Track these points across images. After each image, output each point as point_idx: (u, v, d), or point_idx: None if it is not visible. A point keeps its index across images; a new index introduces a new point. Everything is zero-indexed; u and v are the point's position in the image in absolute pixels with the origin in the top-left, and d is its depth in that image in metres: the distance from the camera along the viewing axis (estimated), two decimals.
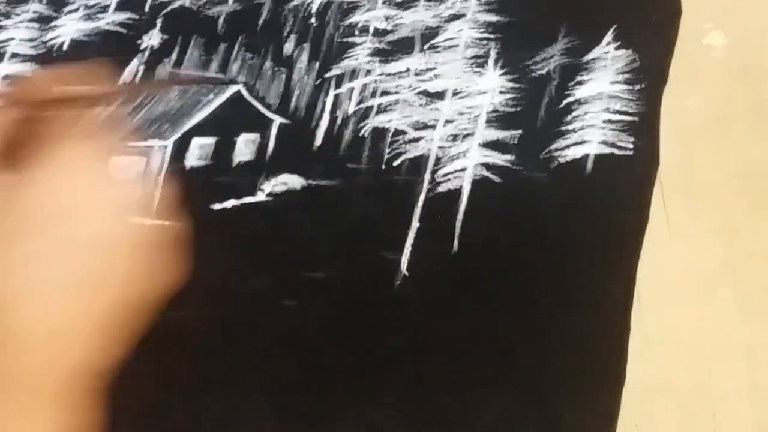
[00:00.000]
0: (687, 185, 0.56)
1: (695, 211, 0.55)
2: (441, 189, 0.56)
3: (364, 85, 0.62)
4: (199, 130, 0.61)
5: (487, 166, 0.57)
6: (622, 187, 0.56)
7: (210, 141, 0.60)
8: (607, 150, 0.57)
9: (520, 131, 0.59)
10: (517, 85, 0.60)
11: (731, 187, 0.56)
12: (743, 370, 0.50)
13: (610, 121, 0.58)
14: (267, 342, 0.53)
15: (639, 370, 0.50)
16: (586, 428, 0.49)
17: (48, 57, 0.66)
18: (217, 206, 0.58)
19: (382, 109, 0.60)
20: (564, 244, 0.54)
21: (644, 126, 0.58)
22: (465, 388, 0.50)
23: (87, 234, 0.42)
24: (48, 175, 0.42)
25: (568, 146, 0.58)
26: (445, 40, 0.63)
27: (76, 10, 0.67)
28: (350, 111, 0.61)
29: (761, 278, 0.52)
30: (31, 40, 0.67)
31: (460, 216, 0.55)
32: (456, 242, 0.54)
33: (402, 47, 0.63)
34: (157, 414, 0.52)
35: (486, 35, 0.62)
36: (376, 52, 0.63)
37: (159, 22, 0.66)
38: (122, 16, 0.67)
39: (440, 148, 0.58)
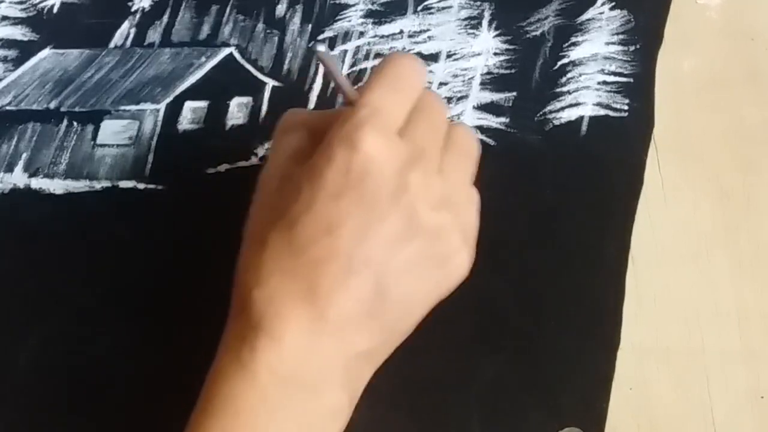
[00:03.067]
0: (681, 147, 0.56)
1: (690, 174, 0.55)
2: None
3: (357, 47, 0.61)
4: (191, 93, 0.61)
5: (482, 129, 0.57)
6: (616, 149, 0.56)
7: (202, 104, 0.60)
8: (602, 112, 0.57)
9: (514, 93, 0.58)
10: (512, 47, 0.60)
11: (726, 148, 0.55)
12: (736, 332, 0.50)
13: (604, 83, 0.58)
14: None
15: (633, 333, 0.50)
16: (581, 391, 0.49)
17: (38, 19, 0.66)
18: (210, 170, 0.58)
19: None
20: (559, 207, 0.54)
21: (639, 87, 0.58)
22: (458, 352, 0.50)
23: None
24: None
25: (562, 108, 0.57)
26: (439, 1, 0.62)
27: None
28: (343, 73, 0.60)
29: (755, 241, 0.53)
30: (20, 2, 0.66)
31: None
32: None
33: (395, 9, 0.63)
34: None
35: None
36: (369, 14, 0.63)
37: None
38: None
39: None
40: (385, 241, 0.44)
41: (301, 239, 0.43)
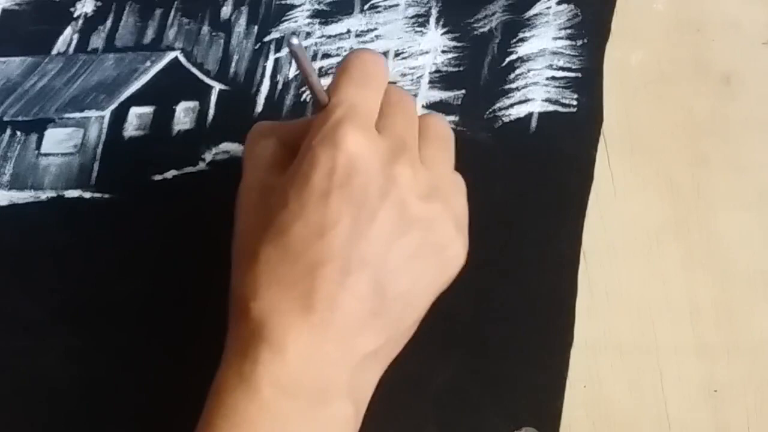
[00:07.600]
0: (631, 142, 0.56)
1: (639, 168, 0.55)
2: None
3: (305, 48, 0.61)
4: (136, 99, 0.60)
5: None
6: (566, 145, 0.56)
7: (148, 110, 0.59)
8: (551, 107, 0.57)
9: (463, 91, 0.58)
10: (460, 44, 0.60)
11: (675, 142, 0.56)
12: (689, 326, 0.50)
13: (553, 78, 0.58)
14: None
15: (586, 329, 0.50)
16: (535, 390, 0.49)
17: None
18: (157, 177, 0.57)
19: (323, 73, 0.59)
20: (509, 204, 0.54)
21: (587, 82, 0.58)
22: (413, 353, 0.50)
23: None
24: None
25: (512, 105, 0.57)
26: None
27: None
28: (291, 75, 0.60)
29: (706, 234, 0.53)
30: None
31: None
32: None
33: (342, 8, 0.62)
34: None
35: None
36: (316, 14, 0.62)
37: None
38: None
39: None
40: (380, 237, 0.43)
41: (295, 246, 0.42)
